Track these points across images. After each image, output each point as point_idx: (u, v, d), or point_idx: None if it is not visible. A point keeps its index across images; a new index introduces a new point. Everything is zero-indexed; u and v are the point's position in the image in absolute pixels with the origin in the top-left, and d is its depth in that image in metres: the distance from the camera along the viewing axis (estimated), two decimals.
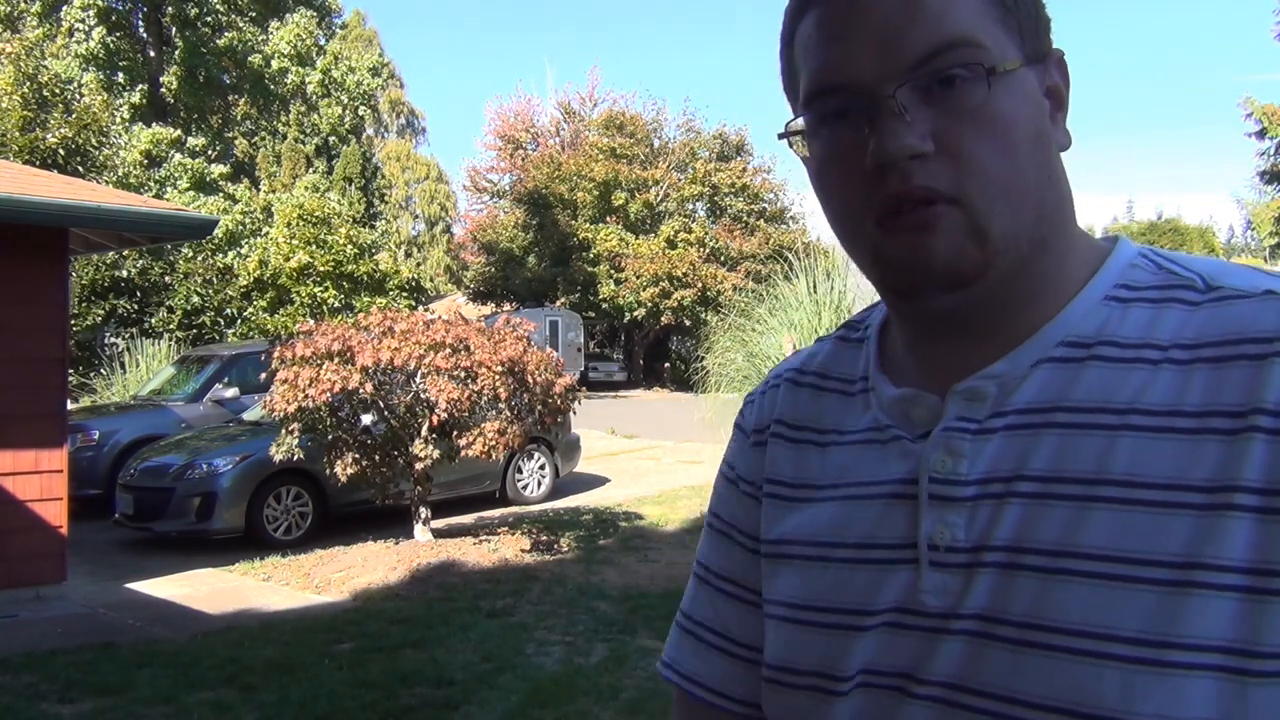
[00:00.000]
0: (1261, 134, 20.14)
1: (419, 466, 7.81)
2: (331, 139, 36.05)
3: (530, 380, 7.78)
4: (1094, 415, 0.68)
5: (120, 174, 20.69)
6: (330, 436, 7.80)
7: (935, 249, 0.69)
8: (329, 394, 7.36)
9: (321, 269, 21.18)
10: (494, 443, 7.63)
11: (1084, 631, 0.64)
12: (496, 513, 10.14)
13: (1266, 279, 0.69)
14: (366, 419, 7.97)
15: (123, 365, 15.29)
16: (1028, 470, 0.69)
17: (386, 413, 7.82)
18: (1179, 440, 0.65)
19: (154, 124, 30.41)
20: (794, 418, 0.85)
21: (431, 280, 42.96)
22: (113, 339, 17.97)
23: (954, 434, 0.72)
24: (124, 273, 19.10)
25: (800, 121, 0.75)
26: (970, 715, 0.68)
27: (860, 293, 10.89)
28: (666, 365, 32.64)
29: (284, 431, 7.72)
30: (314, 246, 21.29)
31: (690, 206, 32.64)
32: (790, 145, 0.77)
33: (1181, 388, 0.66)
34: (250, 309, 20.51)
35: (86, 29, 29.36)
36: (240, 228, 28.10)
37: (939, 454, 0.73)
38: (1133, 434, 0.66)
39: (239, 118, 34.15)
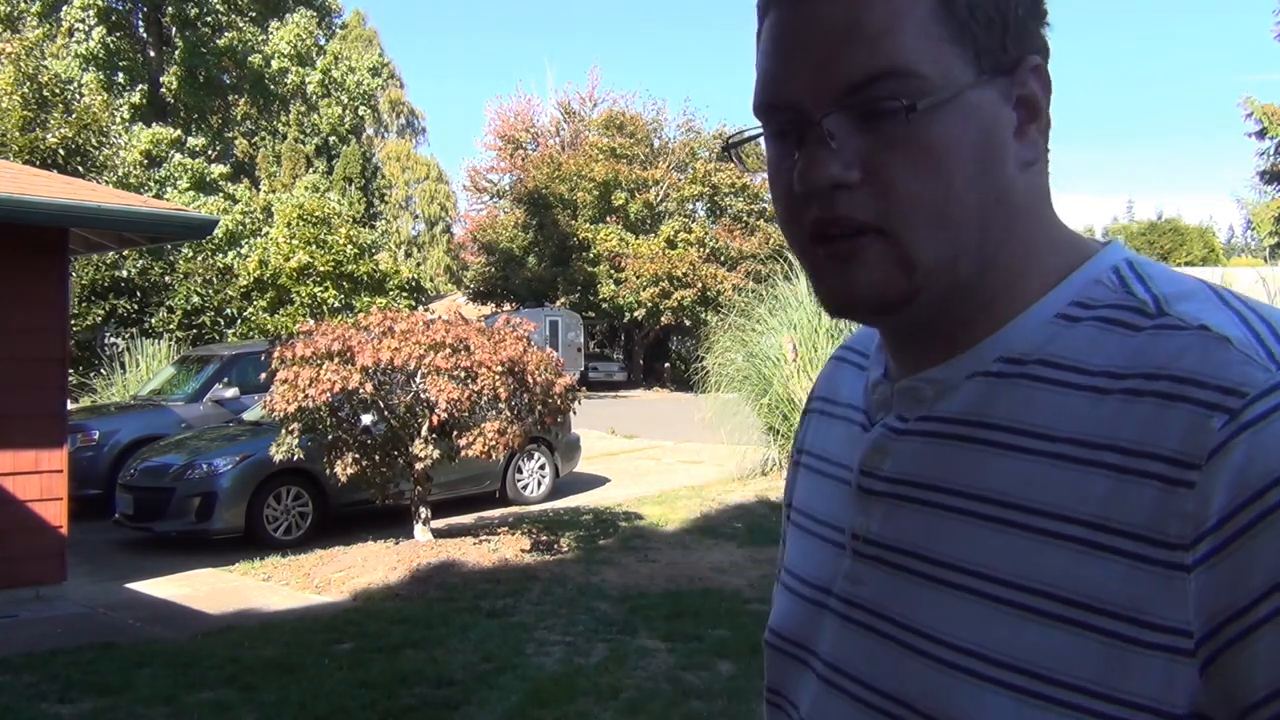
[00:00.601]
0: (1261, 134, 20.16)
1: (419, 466, 7.81)
2: (331, 139, 36.04)
3: (530, 380, 7.78)
4: (1003, 434, 0.68)
5: (120, 174, 20.69)
6: (330, 436, 7.80)
7: (859, 279, 0.68)
8: (329, 394, 7.36)
9: (321, 269, 21.18)
10: (494, 443, 7.63)
11: (954, 643, 0.66)
12: (496, 513, 10.14)
13: (1213, 310, 0.64)
14: (366, 419, 7.97)
15: (123, 365, 15.29)
16: (937, 479, 0.70)
17: (386, 413, 7.82)
18: (1070, 470, 0.64)
19: (154, 124, 30.42)
20: (825, 391, 0.90)
21: (431, 280, 42.98)
22: (113, 339, 17.97)
23: (885, 432, 0.75)
24: (124, 273, 19.10)
25: (749, 132, 0.75)
26: (843, 697, 0.73)
27: None
28: (666, 365, 32.65)
29: (284, 431, 7.72)
30: (314, 246, 21.29)
31: (690, 206, 32.65)
32: (735, 158, 0.79)
33: (1095, 417, 0.64)
34: (250, 309, 20.51)
35: (86, 29, 29.36)
36: (240, 228, 28.10)
37: (869, 448, 0.76)
38: (1033, 458, 0.66)
39: (239, 118, 34.15)
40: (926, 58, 0.66)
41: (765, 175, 0.75)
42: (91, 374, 16.36)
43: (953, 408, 0.71)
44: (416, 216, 55.77)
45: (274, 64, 32.61)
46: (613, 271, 30.39)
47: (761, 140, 0.74)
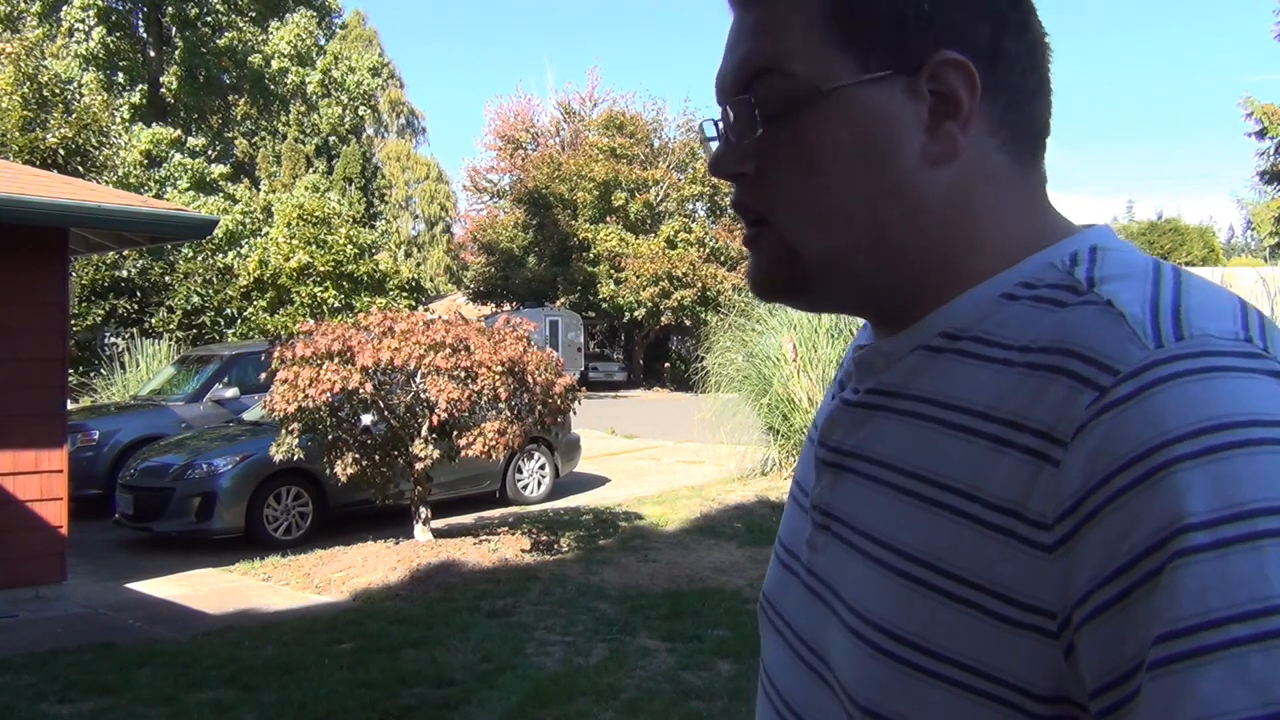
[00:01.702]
0: (1261, 134, 20.16)
1: (419, 466, 7.81)
2: (331, 139, 36.03)
3: (530, 380, 7.78)
4: (917, 404, 0.68)
5: (120, 174, 20.69)
6: (330, 436, 7.80)
7: (755, 264, 0.73)
8: (329, 394, 7.36)
9: (321, 269, 21.19)
10: (494, 443, 7.63)
11: (857, 609, 0.68)
12: (496, 513, 10.14)
13: (1134, 288, 0.62)
14: (366, 419, 7.97)
15: (123, 365, 15.30)
16: (865, 449, 0.72)
17: (386, 413, 7.82)
18: (960, 440, 0.64)
19: (154, 124, 30.42)
20: (842, 373, 0.91)
21: (431, 280, 42.99)
22: (113, 339, 17.97)
23: (839, 402, 0.77)
24: (124, 273, 19.11)
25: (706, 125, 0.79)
26: (794, 657, 0.75)
27: None
28: (666, 365, 32.64)
29: (284, 431, 7.72)
30: (314, 246, 21.31)
31: (690, 206, 32.65)
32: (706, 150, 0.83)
33: (993, 388, 0.64)
34: (250, 309, 20.52)
35: (86, 29, 29.37)
36: (240, 228, 28.11)
37: (827, 419, 0.77)
38: (936, 428, 0.66)
39: (239, 118, 34.15)
40: (805, 57, 0.68)
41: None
42: (91, 374, 16.37)
43: (890, 379, 0.72)
44: (416, 216, 55.77)
45: (274, 64, 32.62)
46: (613, 271, 30.38)
47: None
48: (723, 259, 30.68)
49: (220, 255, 23.89)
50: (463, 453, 7.76)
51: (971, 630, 0.60)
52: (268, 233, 25.26)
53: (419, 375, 7.60)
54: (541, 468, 11.08)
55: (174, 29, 31.46)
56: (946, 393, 0.67)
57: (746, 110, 0.70)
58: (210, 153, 32.21)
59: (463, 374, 7.51)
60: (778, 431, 11.32)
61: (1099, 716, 0.56)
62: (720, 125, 0.73)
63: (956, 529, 0.62)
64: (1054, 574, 0.57)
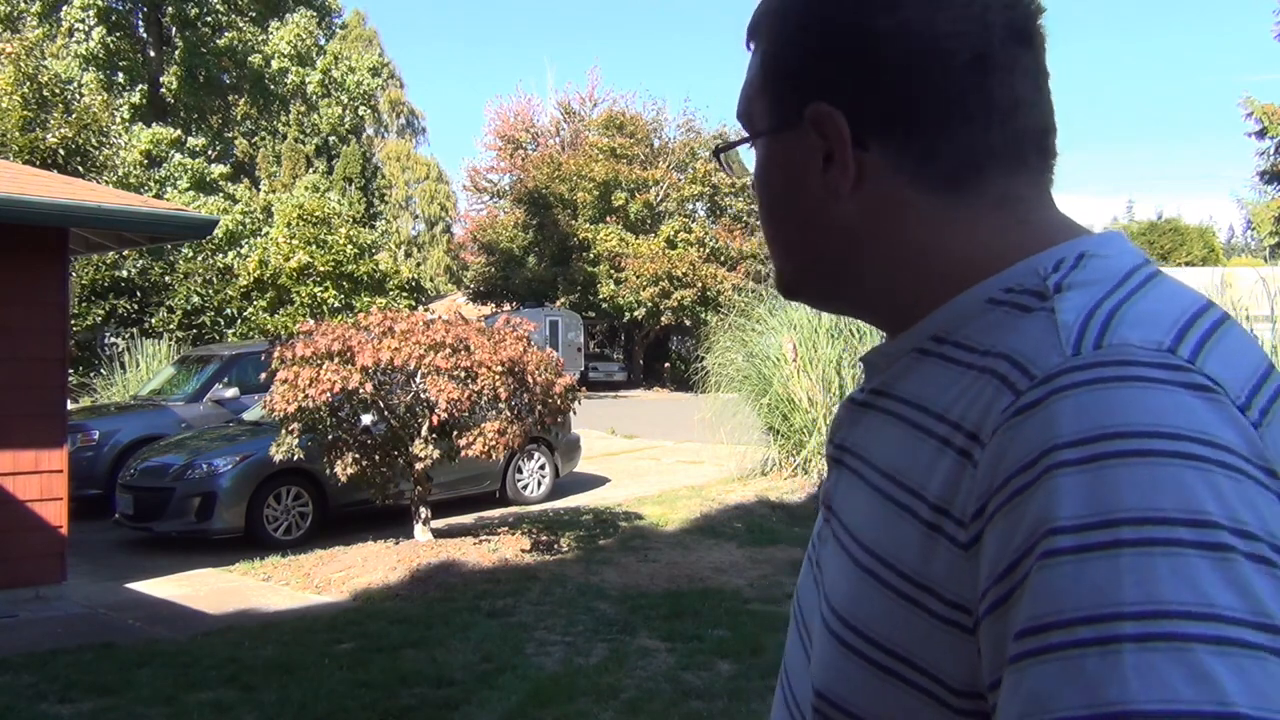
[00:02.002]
0: (1261, 134, 20.17)
1: (419, 466, 7.81)
2: (331, 139, 36.03)
3: (530, 380, 7.78)
4: (892, 404, 0.73)
5: (120, 174, 20.69)
6: (330, 436, 7.80)
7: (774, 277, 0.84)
8: (329, 394, 7.36)
9: (321, 269, 21.19)
10: (494, 443, 7.63)
11: (830, 604, 0.71)
12: (496, 513, 10.14)
13: (1086, 294, 0.64)
14: (366, 419, 7.96)
15: (123, 365, 15.30)
16: (853, 446, 0.77)
17: (386, 413, 7.82)
18: (916, 438, 0.67)
19: (154, 124, 30.43)
20: None
21: (431, 280, 42.99)
22: (113, 339, 17.98)
23: (847, 402, 0.81)
24: (124, 273, 19.12)
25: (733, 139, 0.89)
26: (796, 648, 0.79)
27: None
28: (666, 365, 32.63)
29: (284, 431, 7.72)
30: (314, 246, 21.31)
31: (690, 206, 32.64)
32: (723, 164, 0.92)
33: (949, 389, 0.67)
34: (250, 309, 20.53)
35: (86, 29, 29.37)
36: (240, 228, 28.11)
37: (836, 418, 0.83)
38: (901, 426, 0.70)
39: (239, 118, 34.16)
40: (756, 107, 0.79)
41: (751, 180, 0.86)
42: (91, 374, 16.37)
43: (885, 379, 0.76)
44: (416, 216, 55.75)
45: (274, 64, 32.61)
46: (613, 271, 30.38)
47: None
48: (723, 259, 30.67)
49: (220, 255, 23.90)
50: (463, 453, 7.76)
51: (908, 623, 0.63)
52: (268, 233, 25.26)
53: (419, 375, 7.60)
54: (541, 468, 11.08)
55: (174, 29, 31.46)
56: (919, 394, 0.70)
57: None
58: (210, 153, 32.21)
59: (463, 374, 7.51)
60: (778, 431, 11.32)
61: (991, 713, 0.58)
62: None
63: (902, 524, 0.65)
64: (969, 571, 0.60)
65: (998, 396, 0.61)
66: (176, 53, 31.34)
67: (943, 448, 0.64)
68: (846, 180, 0.74)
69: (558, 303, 30.90)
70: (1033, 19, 0.73)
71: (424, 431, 7.72)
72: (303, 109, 35.27)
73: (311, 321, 8.68)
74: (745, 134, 0.81)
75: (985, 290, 0.70)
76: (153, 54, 31.78)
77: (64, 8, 29.45)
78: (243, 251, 26.05)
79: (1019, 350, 0.62)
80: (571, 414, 9.01)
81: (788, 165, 0.77)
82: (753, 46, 0.80)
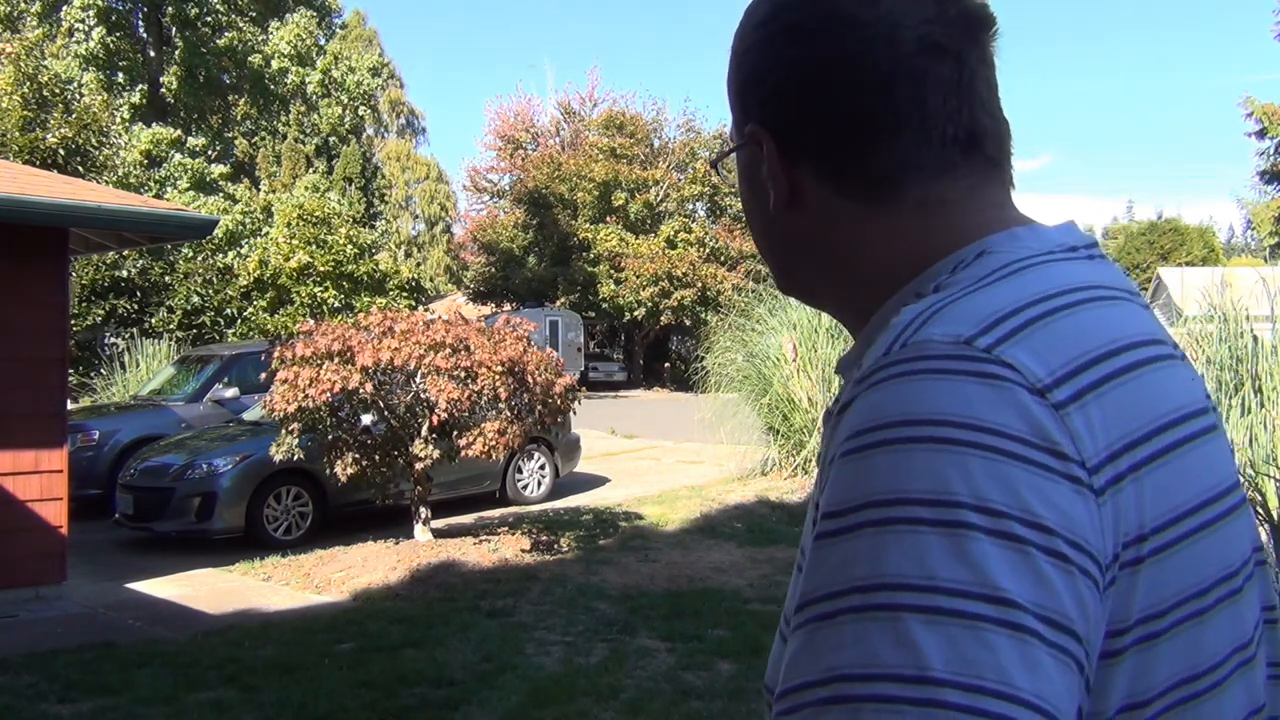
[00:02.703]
0: (1261, 134, 20.17)
1: (419, 466, 7.81)
2: (331, 139, 36.03)
3: (530, 380, 7.78)
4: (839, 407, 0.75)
5: (120, 174, 20.69)
6: (330, 436, 7.79)
7: None
8: (329, 394, 7.36)
9: (321, 269, 21.19)
10: (494, 443, 7.63)
11: (786, 610, 0.73)
12: (496, 513, 10.14)
13: (932, 297, 0.68)
14: (366, 419, 7.96)
15: (123, 365, 15.29)
16: (824, 454, 0.77)
17: (386, 413, 7.82)
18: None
19: (154, 124, 30.42)
20: None
21: (431, 280, 42.97)
22: (113, 339, 17.97)
23: (825, 413, 0.81)
24: (124, 273, 19.11)
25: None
26: None
27: None
28: (666, 365, 32.63)
29: (284, 431, 7.72)
30: (314, 246, 21.31)
31: (690, 206, 32.64)
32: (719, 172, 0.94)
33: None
34: (250, 309, 20.53)
35: (86, 29, 29.36)
36: (240, 228, 28.11)
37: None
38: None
39: (239, 118, 34.15)
40: (731, 121, 0.85)
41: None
42: (91, 374, 16.37)
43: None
44: (416, 216, 55.74)
45: (274, 64, 32.61)
46: (613, 271, 30.38)
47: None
48: (723, 259, 30.67)
49: (220, 255, 23.88)
50: (463, 453, 7.76)
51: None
52: (268, 233, 25.26)
53: (419, 375, 7.60)
54: (541, 468, 11.08)
55: (174, 29, 31.45)
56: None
57: None
58: (210, 153, 32.21)
59: (463, 374, 7.51)
60: (778, 431, 11.32)
61: None
62: None
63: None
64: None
65: (849, 398, 0.66)
66: (176, 53, 31.34)
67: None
68: (781, 194, 0.79)
69: (558, 303, 30.90)
70: (955, 31, 0.75)
71: (424, 431, 7.71)
72: (303, 109, 35.26)
73: (311, 321, 8.68)
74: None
75: (904, 296, 0.74)
76: (153, 54, 31.77)
77: (64, 8, 29.44)
78: (243, 251, 26.05)
79: (871, 353, 0.67)
80: (571, 414, 9.01)
81: (748, 178, 0.83)
82: None
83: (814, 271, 0.82)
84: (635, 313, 30.11)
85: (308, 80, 33.83)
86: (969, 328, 0.63)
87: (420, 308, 19.32)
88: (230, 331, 19.91)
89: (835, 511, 0.60)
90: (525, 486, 10.93)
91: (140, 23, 32.00)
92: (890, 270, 0.76)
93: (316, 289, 21.08)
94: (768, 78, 0.79)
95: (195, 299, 19.72)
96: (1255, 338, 7.95)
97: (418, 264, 44.68)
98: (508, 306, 30.46)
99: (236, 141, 33.75)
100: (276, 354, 7.81)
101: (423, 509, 8.20)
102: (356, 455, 7.74)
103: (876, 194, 0.76)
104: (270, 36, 32.71)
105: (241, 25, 32.20)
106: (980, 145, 0.76)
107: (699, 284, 29.14)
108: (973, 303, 0.66)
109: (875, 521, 0.57)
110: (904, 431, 0.59)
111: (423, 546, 7.90)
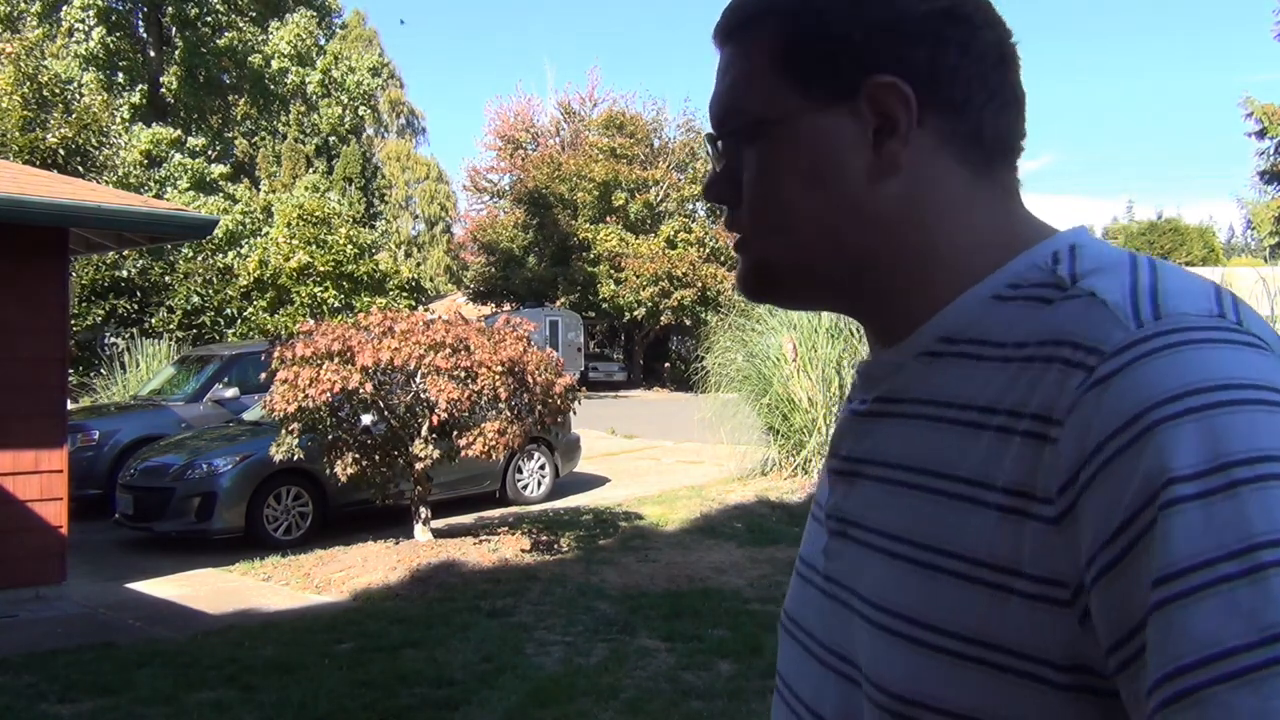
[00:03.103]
0: (1261, 134, 20.16)
1: (419, 466, 7.81)
2: (331, 139, 36.03)
3: (530, 380, 7.78)
4: (920, 406, 0.73)
5: (120, 174, 20.69)
6: (330, 436, 7.79)
7: (740, 269, 0.82)
8: (329, 394, 7.36)
9: (321, 269, 21.18)
10: (494, 443, 7.63)
11: (871, 599, 0.72)
12: (496, 513, 10.14)
13: (1115, 278, 0.67)
14: (366, 419, 7.96)
15: (123, 365, 15.29)
16: (872, 453, 0.77)
17: (386, 413, 7.82)
18: (967, 433, 0.68)
19: (154, 124, 30.42)
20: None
21: (431, 280, 42.96)
22: (113, 339, 17.96)
23: (848, 414, 0.81)
24: (124, 273, 19.10)
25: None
26: (819, 664, 0.78)
27: None
28: (666, 365, 32.63)
29: (284, 431, 7.72)
30: (314, 246, 21.30)
31: (690, 206, 32.63)
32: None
33: (993, 383, 0.69)
34: (250, 309, 20.52)
35: (86, 29, 29.36)
36: (240, 228, 28.10)
37: (837, 430, 0.83)
38: (941, 426, 0.71)
39: (239, 118, 34.15)
40: (759, 96, 0.77)
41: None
42: (91, 374, 16.37)
43: (893, 386, 0.77)
44: (416, 216, 55.73)
45: (274, 64, 32.61)
46: (613, 271, 30.37)
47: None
48: (723, 259, 30.64)
49: (220, 255, 23.88)
50: (463, 453, 7.76)
51: (990, 610, 0.64)
52: (268, 233, 25.26)
53: (419, 375, 7.60)
54: (541, 468, 11.08)
55: (174, 29, 31.45)
56: (949, 393, 0.71)
57: (721, 144, 0.80)
58: (210, 153, 32.20)
59: (463, 374, 7.51)
60: (777, 431, 11.31)
61: (1116, 673, 0.59)
62: (710, 154, 0.82)
63: (967, 516, 0.66)
64: (1061, 545, 0.61)
65: (1064, 377, 0.63)
66: (176, 53, 31.33)
67: (1004, 436, 0.66)
68: (898, 162, 0.74)
69: (558, 303, 30.90)
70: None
71: (424, 431, 7.71)
72: (303, 109, 35.26)
73: (311, 321, 8.68)
74: (730, 129, 0.79)
75: (989, 288, 0.73)
76: (153, 54, 31.77)
77: (64, 8, 29.43)
78: (243, 251, 26.04)
79: (1073, 333, 0.65)
80: (571, 414, 9.01)
81: (817, 148, 0.75)
82: (739, 39, 0.79)
83: (875, 259, 0.75)
84: (635, 313, 30.11)
85: (308, 80, 33.83)
86: (1210, 304, 0.64)
87: (420, 308, 19.31)
88: (230, 331, 19.91)
89: (1192, 475, 0.57)
90: (525, 486, 10.93)
91: (140, 23, 31.99)
92: (972, 256, 0.74)
93: (316, 289, 21.07)
94: (911, 25, 0.73)
95: (195, 299, 19.72)
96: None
97: (418, 264, 44.67)
98: (508, 306, 30.45)
99: (236, 141, 33.74)
100: (276, 354, 7.82)
101: (423, 509, 8.20)
102: (356, 455, 7.74)
103: (989, 169, 0.76)
104: (270, 36, 32.71)
105: (241, 25, 32.19)
106: (1015, 138, 0.79)
107: (699, 284, 29.14)
108: (1177, 283, 0.66)
109: (1248, 479, 0.56)
110: (1228, 394, 0.59)
111: (423, 546, 7.91)
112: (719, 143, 0.80)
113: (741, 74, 0.78)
